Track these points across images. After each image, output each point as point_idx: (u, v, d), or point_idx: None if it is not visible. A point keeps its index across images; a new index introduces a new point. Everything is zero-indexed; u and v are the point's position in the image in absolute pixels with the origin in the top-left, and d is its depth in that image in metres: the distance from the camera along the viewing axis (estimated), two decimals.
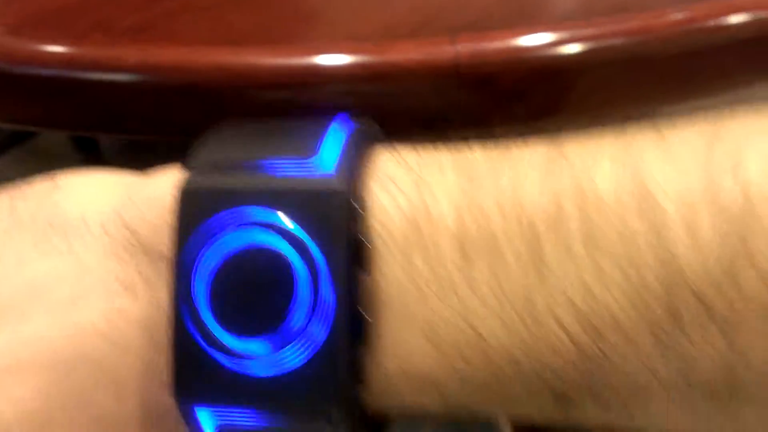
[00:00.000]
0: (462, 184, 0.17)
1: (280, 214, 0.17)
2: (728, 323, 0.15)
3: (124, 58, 0.36)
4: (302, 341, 0.16)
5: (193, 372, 0.17)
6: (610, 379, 0.16)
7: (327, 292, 0.16)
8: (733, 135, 0.16)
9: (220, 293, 0.17)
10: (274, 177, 0.17)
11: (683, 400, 0.16)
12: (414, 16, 0.38)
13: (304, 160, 0.17)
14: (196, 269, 0.17)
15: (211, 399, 0.17)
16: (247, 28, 0.41)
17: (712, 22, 0.32)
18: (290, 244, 0.17)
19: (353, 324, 0.17)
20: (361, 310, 0.17)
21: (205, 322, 0.17)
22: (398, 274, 0.17)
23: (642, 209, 0.16)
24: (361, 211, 0.17)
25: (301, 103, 0.36)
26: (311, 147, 0.18)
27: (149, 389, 0.18)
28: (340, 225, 0.17)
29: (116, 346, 0.18)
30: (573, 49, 0.32)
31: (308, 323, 0.16)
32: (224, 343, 0.17)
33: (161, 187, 0.19)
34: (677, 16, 0.33)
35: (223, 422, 0.17)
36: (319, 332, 0.16)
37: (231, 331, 0.17)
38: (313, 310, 0.16)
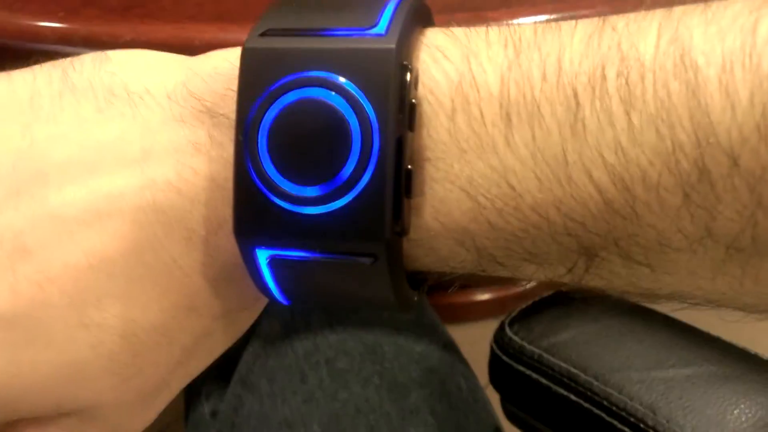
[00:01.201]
0: (508, 54, 0.18)
1: (337, 73, 0.18)
2: (755, 178, 0.16)
3: (119, 35, 0.36)
4: (351, 186, 0.18)
5: (253, 214, 0.19)
6: (638, 233, 0.17)
7: (376, 145, 0.18)
8: None
9: (279, 145, 0.18)
10: (333, 40, 0.19)
11: (706, 254, 0.17)
12: None
13: (364, 30, 0.18)
14: (259, 123, 0.18)
15: (268, 236, 0.19)
16: (234, 4, 0.41)
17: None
18: (345, 100, 0.18)
19: (398, 175, 0.18)
20: (405, 161, 0.18)
21: (266, 169, 0.18)
22: (442, 135, 0.18)
23: (682, 74, 0.16)
24: (411, 73, 0.18)
25: None
26: (371, 18, 0.19)
27: (217, 238, 0.19)
28: (391, 84, 0.18)
29: (187, 198, 0.19)
30: None
31: (357, 171, 0.18)
32: (283, 188, 0.18)
33: (223, 61, 0.20)
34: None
35: (275, 255, 0.19)
36: (366, 179, 0.18)
37: (289, 178, 0.18)
38: (363, 160, 0.18)
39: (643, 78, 0.17)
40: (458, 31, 0.19)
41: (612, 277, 0.19)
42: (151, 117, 0.20)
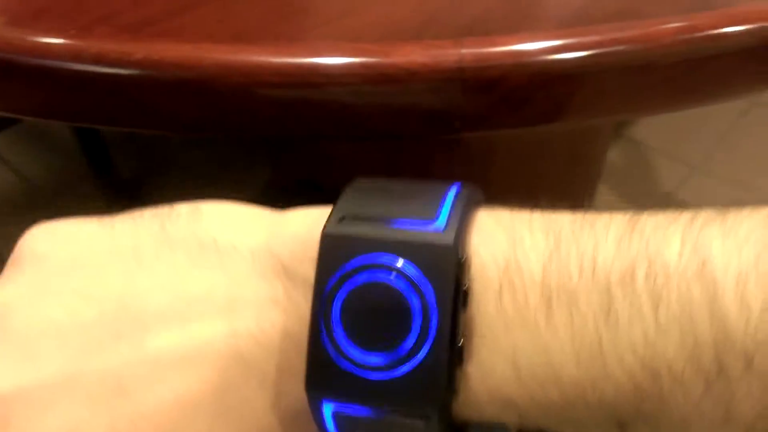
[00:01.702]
0: (549, 244, 0.21)
1: (403, 260, 0.21)
2: (767, 377, 0.18)
3: (130, 53, 0.36)
4: (411, 357, 0.20)
5: (323, 373, 0.21)
6: (663, 412, 0.20)
7: (434, 323, 0.20)
8: None
9: (349, 316, 0.21)
10: (400, 232, 0.21)
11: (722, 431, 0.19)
12: (417, 16, 0.38)
13: (426, 223, 0.21)
14: (334, 297, 0.21)
15: (334, 394, 0.21)
16: (252, 24, 0.41)
17: (712, 31, 0.33)
18: (409, 284, 0.21)
19: (452, 347, 0.20)
20: (459, 337, 0.21)
21: (337, 337, 0.21)
22: (491, 312, 0.21)
23: (701, 281, 0.19)
24: (464, 262, 0.21)
25: (304, 103, 0.36)
26: (432, 210, 0.22)
27: (287, 384, 0.22)
28: (448, 272, 0.21)
29: (264, 347, 0.22)
30: (575, 55, 0.32)
31: (417, 345, 0.20)
32: (350, 354, 0.21)
33: (302, 224, 0.23)
34: (678, 24, 0.33)
35: (339, 410, 0.21)
36: (423, 351, 0.20)
37: (357, 346, 0.21)
38: (422, 336, 0.20)
39: (668, 281, 0.19)
40: (504, 216, 0.22)
41: None
42: (237, 270, 0.22)
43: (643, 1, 0.38)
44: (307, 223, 0.23)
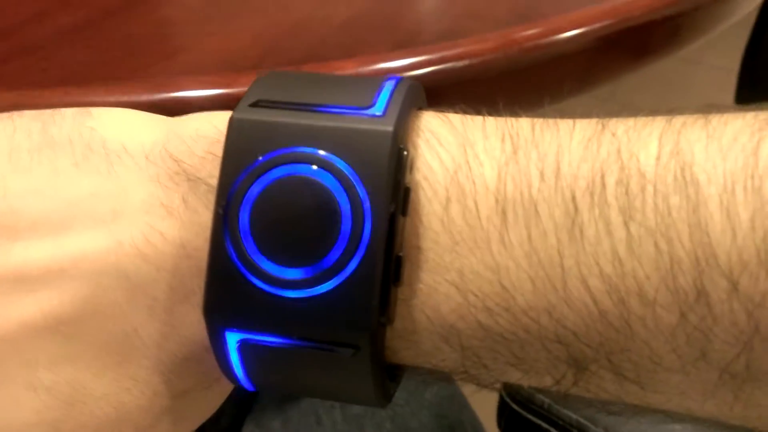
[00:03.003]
0: (505, 148, 0.18)
1: (330, 152, 0.17)
2: (754, 304, 0.16)
3: None
4: (337, 270, 0.17)
5: (228, 293, 0.17)
6: (631, 348, 0.17)
7: (367, 228, 0.17)
8: None
9: (262, 221, 0.17)
10: (327, 117, 0.18)
11: (699, 376, 0.17)
12: (255, 47, 0.39)
13: (360, 109, 0.18)
14: (242, 198, 0.17)
15: (241, 318, 0.18)
16: (81, 67, 0.41)
17: (529, 43, 0.36)
18: (337, 180, 0.17)
19: (387, 260, 0.17)
20: (396, 248, 0.17)
21: (246, 247, 0.17)
22: (435, 224, 0.18)
23: (682, 190, 0.16)
24: (407, 156, 0.18)
25: None
26: (368, 96, 0.18)
27: (182, 310, 0.18)
28: (385, 166, 0.17)
29: (153, 265, 0.18)
30: (411, 73, 0.34)
31: (345, 255, 0.17)
32: (263, 268, 0.17)
33: (206, 123, 0.19)
34: (496, 40, 0.36)
35: (246, 339, 0.18)
36: (353, 263, 0.17)
37: (270, 258, 0.17)
38: (352, 244, 0.17)
39: (643, 189, 0.16)
40: (454, 118, 0.19)
41: (599, 391, 0.18)
42: (126, 176, 0.19)
43: (465, 21, 0.41)
44: (214, 120, 0.19)
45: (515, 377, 0.18)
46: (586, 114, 0.19)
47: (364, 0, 0.44)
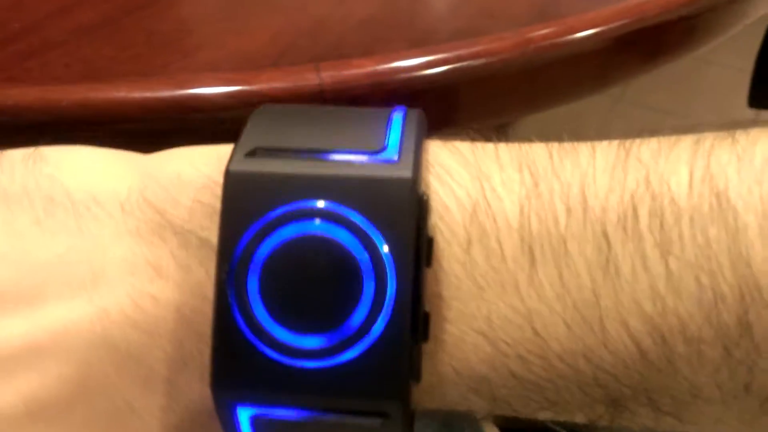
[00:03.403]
0: (525, 180, 0.16)
1: (345, 205, 0.16)
2: None
3: None
4: (362, 335, 0.16)
5: (236, 366, 0.16)
6: (672, 386, 0.16)
7: (392, 287, 0.15)
8: None
9: (273, 284, 0.16)
10: (337, 165, 0.16)
11: (739, 407, 0.16)
12: (273, 46, 0.39)
13: (372, 153, 0.16)
14: (250, 260, 0.16)
15: (254, 393, 0.16)
16: (102, 62, 0.41)
17: (546, 42, 0.36)
18: (354, 236, 0.16)
19: (415, 319, 0.16)
20: (423, 304, 0.16)
21: (256, 315, 0.16)
22: (456, 269, 0.16)
23: (719, 217, 0.15)
24: (427, 201, 0.16)
25: (163, 135, 0.36)
26: (377, 138, 0.17)
27: (181, 380, 0.17)
28: (409, 218, 0.16)
29: (145, 332, 0.17)
30: (428, 71, 0.35)
31: (367, 320, 0.16)
32: (274, 336, 0.16)
33: (186, 166, 0.17)
34: (513, 39, 0.36)
35: (261, 414, 0.16)
36: (378, 326, 0.16)
37: (284, 325, 0.16)
38: (376, 305, 0.16)
39: (678, 220, 0.15)
40: (463, 147, 0.17)
41: (634, 424, 0.17)
42: (100, 231, 0.17)
43: (481, 20, 0.41)
44: (197, 161, 0.17)
45: (546, 416, 0.17)
46: (598, 113, 0.19)
47: (379, 0, 0.44)
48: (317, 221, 0.16)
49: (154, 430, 0.17)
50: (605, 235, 0.16)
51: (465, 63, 0.36)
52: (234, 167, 0.16)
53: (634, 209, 0.16)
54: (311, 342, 0.16)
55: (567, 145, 0.17)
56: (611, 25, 0.37)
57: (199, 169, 0.17)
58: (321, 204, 0.16)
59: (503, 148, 0.17)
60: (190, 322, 0.16)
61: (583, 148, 0.17)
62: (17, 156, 0.18)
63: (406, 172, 0.16)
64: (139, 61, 0.41)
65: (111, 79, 0.38)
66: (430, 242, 0.16)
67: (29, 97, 0.36)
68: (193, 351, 0.17)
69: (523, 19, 0.40)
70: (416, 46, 0.37)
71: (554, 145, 0.17)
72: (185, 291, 0.17)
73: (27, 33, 0.43)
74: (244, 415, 0.16)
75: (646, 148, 0.17)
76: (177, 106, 0.35)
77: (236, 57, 0.39)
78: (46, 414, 0.16)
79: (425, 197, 0.16)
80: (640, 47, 0.40)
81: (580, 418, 0.17)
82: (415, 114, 0.17)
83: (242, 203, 0.16)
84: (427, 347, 0.16)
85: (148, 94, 0.36)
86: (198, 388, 0.17)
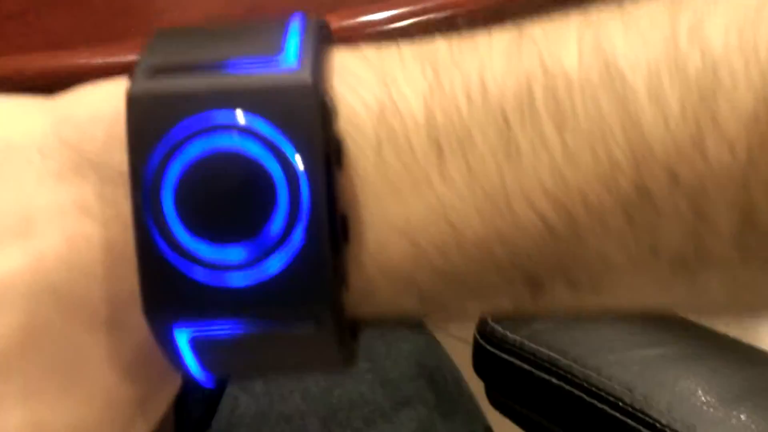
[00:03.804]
0: (427, 76, 0.17)
1: (250, 115, 0.16)
2: (696, 192, 0.16)
3: None
4: (281, 246, 0.16)
5: (166, 288, 0.16)
6: (582, 257, 0.17)
7: (305, 194, 0.16)
8: (695, 4, 0.16)
9: (189, 203, 0.16)
10: (238, 76, 0.16)
11: (651, 272, 0.17)
12: (239, 4, 0.39)
13: (270, 58, 0.16)
14: (161, 180, 0.16)
15: (187, 314, 0.16)
16: (64, 31, 0.40)
17: None
18: (263, 146, 0.16)
19: (332, 224, 0.16)
20: (338, 208, 0.16)
21: (175, 233, 0.16)
22: (370, 173, 0.16)
23: (609, 85, 0.16)
24: (331, 106, 0.16)
25: None
26: (275, 44, 0.16)
27: (125, 317, 0.17)
28: (315, 123, 0.16)
29: (83, 273, 0.16)
30: (394, 25, 0.34)
31: (286, 227, 0.16)
32: (197, 254, 0.16)
33: (98, 102, 0.17)
34: None
35: (198, 335, 0.17)
36: (298, 235, 0.16)
37: (205, 240, 0.16)
38: (293, 213, 0.16)
39: (571, 93, 0.16)
40: (369, 52, 0.17)
41: (556, 306, 0.18)
42: (22, 178, 0.17)
43: None
44: (104, 95, 0.17)
45: (473, 307, 0.18)
46: None
47: None
48: (224, 135, 0.16)
49: (105, 369, 0.17)
50: (505, 118, 0.16)
51: (431, 15, 0.35)
52: (135, 89, 0.16)
53: (530, 88, 0.16)
54: (233, 255, 0.16)
55: (466, 36, 0.17)
56: None
57: (109, 102, 0.17)
58: (225, 116, 0.16)
59: (406, 47, 0.17)
60: (125, 257, 0.16)
61: (481, 37, 0.17)
62: None
63: (305, 77, 0.16)
64: (100, 28, 0.40)
65: (72, 46, 0.37)
66: (339, 146, 0.16)
67: None
68: (134, 287, 0.16)
69: None
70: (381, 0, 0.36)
71: (454, 38, 0.17)
72: (115, 226, 0.16)
73: None
74: (182, 339, 0.17)
75: (539, 27, 0.17)
76: None
77: (201, 19, 0.38)
78: (1, 365, 0.16)
79: (330, 101, 0.16)
80: None
81: (506, 305, 0.18)
82: (314, 21, 0.17)
83: (146, 124, 0.16)
84: (351, 252, 0.17)
85: (111, 59, 0.35)
86: (145, 324, 0.17)
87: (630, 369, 0.45)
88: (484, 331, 0.48)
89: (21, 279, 0.16)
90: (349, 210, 0.17)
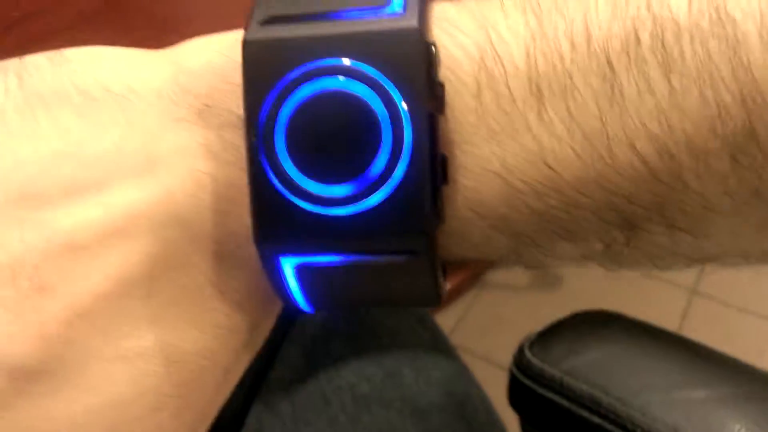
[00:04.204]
0: (529, 22, 0.17)
1: (357, 59, 0.17)
2: None
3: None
4: (384, 180, 0.17)
5: (275, 220, 0.17)
6: (683, 200, 0.17)
7: (408, 133, 0.16)
8: None
9: (299, 143, 0.17)
10: (346, 24, 0.17)
11: (752, 214, 0.17)
12: None
13: (377, 9, 0.17)
14: (274, 121, 0.17)
15: (293, 243, 0.17)
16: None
17: None
18: (369, 87, 0.16)
19: (432, 162, 0.17)
20: (438, 148, 0.17)
21: (286, 170, 0.17)
22: (469, 116, 0.17)
23: (718, 29, 0.16)
24: (435, 50, 0.17)
25: None
26: None
27: (245, 248, 0.18)
28: (420, 66, 0.16)
29: (210, 209, 0.17)
30: None
31: (390, 163, 0.16)
32: (306, 189, 0.17)
33: (216, 54, 0.18)
34: None
35: (303, 263, 0.17)
36: (399, 173, 0.16)
37: (313, 178, 0.17)
38: (395, 151, 0.16)
39: (679, 39, 0.16)
40: (469, 1, 0.18)
41: (651, 247, 0.18)
42: (147, 119, 0.18)
43: None
44: (219, 47, 0.18)
45: (566, 249, 0.18)
46: None
47: None
48: (333, 78, 0.16)
49: (228, 298, 0.18)
50: (609, 63, 0.16)
51: None
52: (250, 36, 0.17)
53: (636, 34, 0.16)
54: (339, 191, 0.17)
55: None
56: None
57: (225, 54, 0.18)
58: (335, 61, 0.17)
59: None
60: (243, 195, 0.17)
61: None
62: (41, 59, 0.18)
63: (412, 22, 0.17)
64: (141, 45, 0.40)
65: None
66: (441, 89, 0.17)
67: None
68: (248, 222, 0.17)
69: None
70: None
71: None
72: (236, 167, 0.17)
73: (28, 20, 0.42)
74: (288, 266, 0.18)
75: None
76: None
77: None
78: (135, 290, 0.17)
79: (433, 46, 0.17)
80: None
81: (597, 246, 0.18)
82: None
83: (261, 69, 0.17)
84: (447, 192, 0.17)
85: None
86: (255, 256, 0.18)
87: (675, 410, 0.43)
88: (520, 363, 0.46)
89: (152, 209, 0.17)
90: (448, 152, 0.17)
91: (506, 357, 0.49)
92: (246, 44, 0.17)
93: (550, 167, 0.17)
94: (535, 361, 0.46)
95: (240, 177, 0.17)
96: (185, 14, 0.43)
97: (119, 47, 0.19)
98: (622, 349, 0.45)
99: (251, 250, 0.17)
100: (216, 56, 0.18)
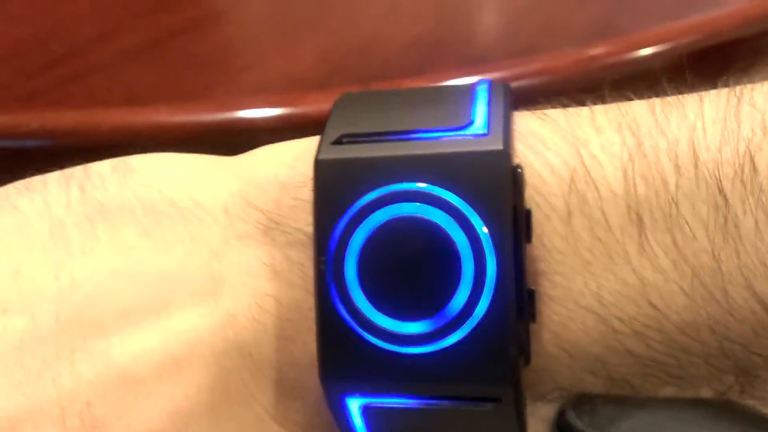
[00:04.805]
0: (625, 141, 0.15)
1: (437, 184, 0.15)
2: None
3: (23, 123, 0.34)
4: (464, 318, 0.15)
5: (343, 356, 0.16)
6: None
7: (492, 267, 0.15)
8: None
9: (371, 271, 0.15)
10: (425, 145, 0.16)
11: None
12: (321, 66, 0.38)
13: (458, 129, 0.16)
14: (346, 247, 0.15)
15: (361, 382, 0.16)
16: (145, 86, 0.40)
17: (611, 59, 0.34)
18: (450, 216, 0.15)
19: (519, 298, 0.15)
20: (525, 282, 0.15)
21: (356, 301, 0.15)
22: (559, 245, 0.15)
23: None
24: (522, 173, 0.15)
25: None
26: (463, 114, 0.16)
27: (308, 378, 0.16)
28: (505, 191, 0.15)
29: (273, 335, 0.16)
30: None
31: (471, 300, 0.15)
32: (377, 323, 0.15)
33: (281, 167, 0.17)
34: (576, 55, 0.34)
35: (372, 403, 0.16)
36: (482, 309, 0.15)
37: (386, 312, 0.15)
38: (477, 286, 0.15)
39: None
40: (555, 114, 0.16)
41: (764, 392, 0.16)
42: (212, 237, 0.17)
43: (539, 38, 0.39)
44: (288, 159, 0.17)
45: (668, 393, 0.17)
46: None
47: (431, 18, 0.42)
48: (409, 203, 0.15)
49: (288, 430, 0.17)
50: (721, 191, 0.15)
51: (525, 81, 0.33)
52: (322, 156, 0.16)
53: (752, 160, 0.14)
54: (414, 328, 0.15)
55: (671, 99, 0.16)
56: (680, 41, 0.35)
57: (293, 167, 0.17)
58: (412, 185, 0.15)
59: (599, 110, 0.16)
60: (309, 320, 0.16)
61: (689, 100, 0.16)
62: (105, 169, 0.18)
63: (497, 144, 0.15)
64: (182, 85, 0.40)
65: (152, 103, 0.37)
66: (528, 216, 0.15)
67: (69, 121, 0.35)
68: (314, 349, 0.16)
69: (583, 36, 0.38)
70: (469, 65, 0.35)
71: (656, 101, 0.16)
72: (303, 289, 0.16)
73: (70, 57, 0.42)
74: (355, 406, 0.16)
75: (760, 92, 0.15)
76: (219, 130, 0.34)
77: (283, 78, 0.38)
78: (193, 424, 0.16)
79: (519, 169, 0.15)
80: (709, 65, 0.37)
81: (706, 393, 0.16)
82: (500, 86, 0.17)
83: (334, 191, 0.16)
84: (534, 328, 0.16)
85: (190, 118, 0.34)
86: (318, 386, 0.16)
87: None
88: (563, 426, 0.45)
89: (213, 336, 0.16)
90: (534, 284, 0.16)
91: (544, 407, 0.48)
92: (318, 164, 0.16)
93: (653, 306, 0.15)
94: (579, 424, 0.44)
95: (306, 299, 0.16)
96: (225, 54, 0.42)
97: (186, 154, 0.18)
98: (669, 415, 0.44)
99: (314, 379, 0.16)
100: (283, 168, 0.17)
